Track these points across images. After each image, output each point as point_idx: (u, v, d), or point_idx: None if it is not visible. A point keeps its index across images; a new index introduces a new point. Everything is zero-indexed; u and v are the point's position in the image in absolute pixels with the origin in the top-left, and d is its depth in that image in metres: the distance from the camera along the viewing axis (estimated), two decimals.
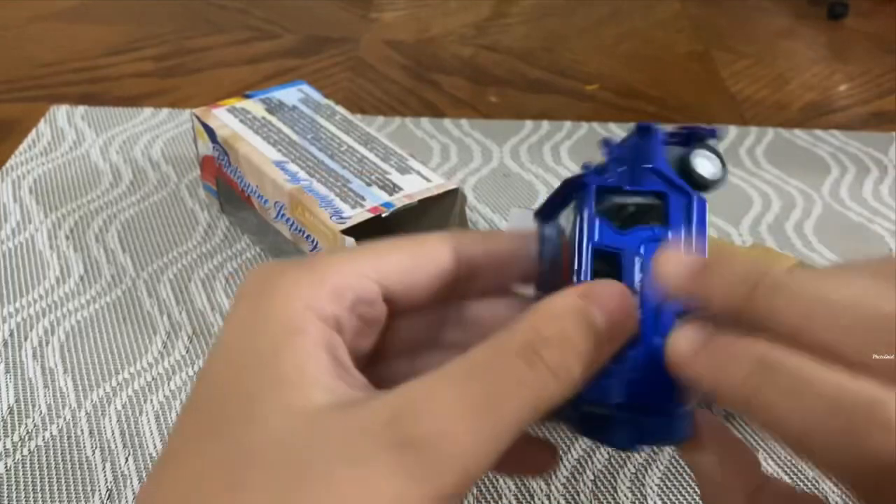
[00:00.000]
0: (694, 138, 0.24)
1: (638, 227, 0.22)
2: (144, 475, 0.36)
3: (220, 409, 0.19)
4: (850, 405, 0.16)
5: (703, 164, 0.23)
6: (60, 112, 0.63)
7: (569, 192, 0.24)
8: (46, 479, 0.35)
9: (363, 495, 0.17)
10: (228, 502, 0.18)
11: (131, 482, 0.36)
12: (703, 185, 0.23)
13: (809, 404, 0.17)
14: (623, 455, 0.38)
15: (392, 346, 0.24)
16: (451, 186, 0.43)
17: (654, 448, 0.38)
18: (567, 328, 0.19)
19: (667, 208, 0.22)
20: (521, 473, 0.25)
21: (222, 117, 0.48)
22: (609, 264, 0.22)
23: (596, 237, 0.22)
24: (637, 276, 0.22)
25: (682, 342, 0.20)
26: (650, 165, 0.23)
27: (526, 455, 0.24)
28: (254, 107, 0.49)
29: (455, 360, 0.19)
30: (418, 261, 0.23)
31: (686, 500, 0.36)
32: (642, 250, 0.22)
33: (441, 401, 0.18)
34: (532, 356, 0.19)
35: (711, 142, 0.24)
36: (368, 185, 0.43)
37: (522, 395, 0.18)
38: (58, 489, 0.35)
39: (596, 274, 0.22)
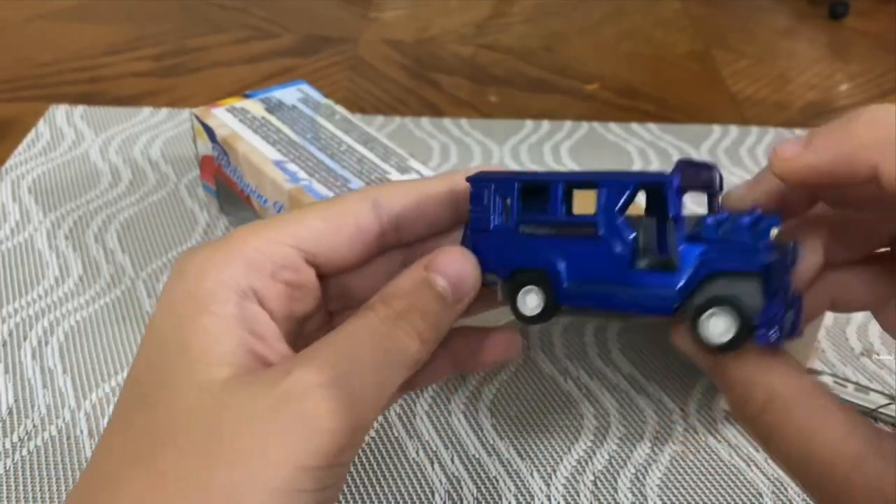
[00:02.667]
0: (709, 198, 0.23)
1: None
2: None
3: (141, 386, 0.21)
4: None
5: (716, 324, 0.21)
6: (59, 112, 0.63)
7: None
8: (45, 480, 0.35)
9: (262, 455, 0.19)
10: (146, 475, 0.19)
11: None
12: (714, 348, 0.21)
13: None
14: (623, 455, 0.38)
15: (346, 301, 0.26)
16: None
17: (655, 448, 0.38)
18: (415, 303, 0.22)
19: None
20: (486, 366, 0.27)
21: (221, 117, 0.48)
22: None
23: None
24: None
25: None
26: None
27: (487, 348, 0.27)
28: (253, 106, 0.49)
29: (328, 339, 0.22)
30: (336, 222, 0.24)
31: (687, 500, 0.36)
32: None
33: (318, 379, 0.20)
34: (391, 326, 0.22)
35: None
36: (368, 184, 0.43)
37: (391, 360, 0.22)
38: (57, 490, 0.35)
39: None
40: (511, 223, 0.24)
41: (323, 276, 0.25)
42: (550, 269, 0.23)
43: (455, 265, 0.23)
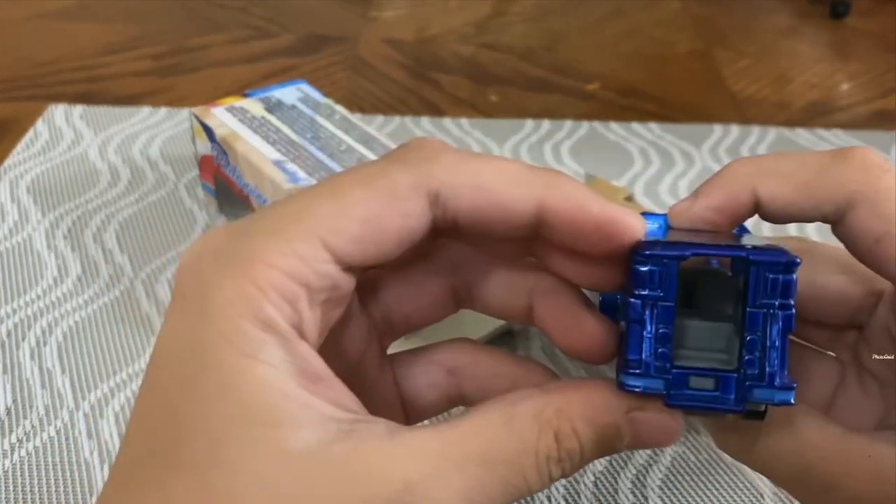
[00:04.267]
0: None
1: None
2: None
3: (179, 447, 0.17)
4: None
5: None
6: (58, 111, 0.63)
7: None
8: (44, 481, 0.35)
9: None
10: None
11: None
12: None
13: None
14: (624, 456, 0.37)
15: (385, 311, 0.22)
16: None
17: (656, 448, 0.38)
18: (586, 449, 0.19)
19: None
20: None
21: (221, 116, 0.48)
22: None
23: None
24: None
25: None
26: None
27: None
28: (253, 106, 0.49)
29: (472, 435, 0.18)
30: (382, 223, 0.18)
31: (687, 500, 0.36)
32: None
33: (451, 489, 0.17)
34: (546, 469, 0.18)
35: None
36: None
37: (522, 493, 0.18)
38: (56, 490, 0.35)
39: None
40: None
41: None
42: None
43: (658, 436, 0.19)
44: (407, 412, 0.23)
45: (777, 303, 0.18)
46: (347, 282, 0.19)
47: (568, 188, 0.19)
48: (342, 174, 0.19)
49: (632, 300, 0.18)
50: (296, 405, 0.17)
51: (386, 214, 0.18)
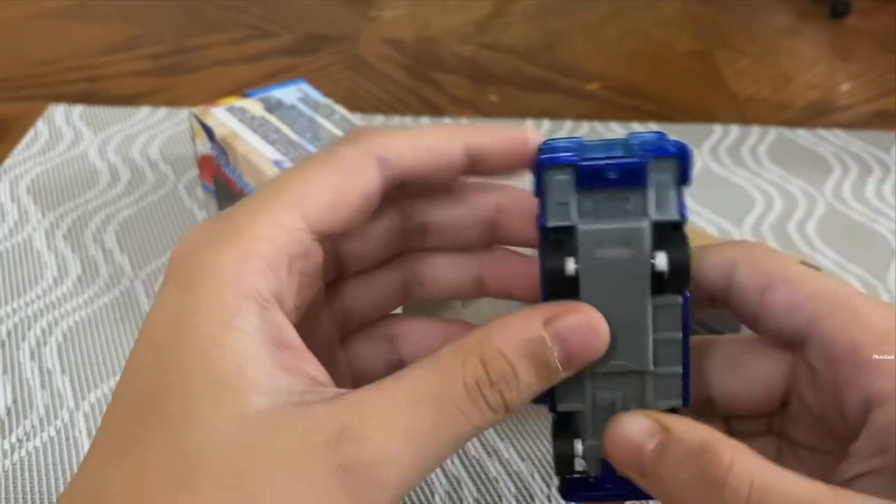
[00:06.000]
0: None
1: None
2: None
3: (155, 406, 0.18)
4: None
5: None
6: (58, 111, 0.63)
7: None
8: (44, 481, 0.35)
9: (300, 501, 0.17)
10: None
11: None
12: None
13: None
14: None
15: (339, 269, 0.24)
16: None
17: None
18: (517, 367, 0.19)
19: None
20: None
21: (220, 116, 0.48)
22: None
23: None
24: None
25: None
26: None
27: None
28: (252, 106, 0.49)
29: (403, 379, 0.19)
30: (344, 191, 0.21)
31: None
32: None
33: (387, 427, 0.18)
34: (477, 395, 0.19)
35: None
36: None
37: (464, 427, 0.19)
38: (56, 490, 0.35)
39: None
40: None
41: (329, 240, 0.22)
42: None
43: (583, 338, 0.20)
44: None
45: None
46: (317, 252, 0.21)
47: (485, 128, 0.23)
48: (305, 160, 0.21)
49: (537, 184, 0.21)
50: (259, 373, 0.18)
51: (347, 181, 0.21)
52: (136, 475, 0.18)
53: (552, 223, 0.21)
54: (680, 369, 0.21)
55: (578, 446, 0.22)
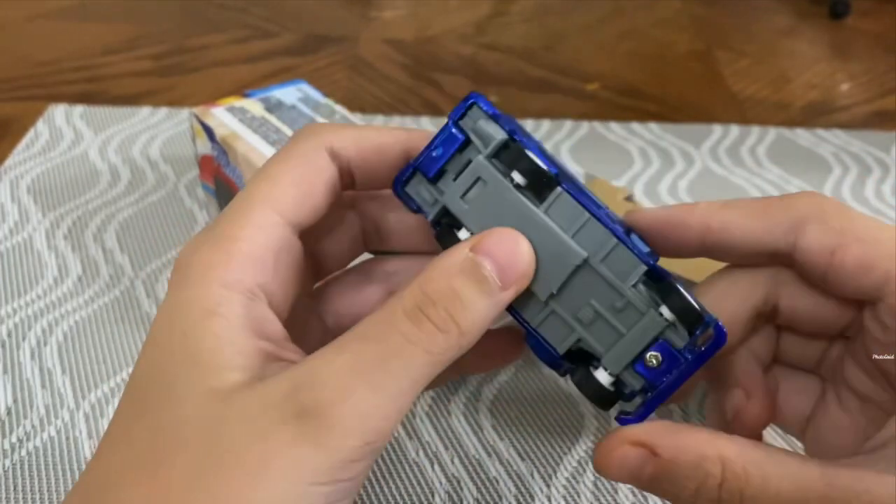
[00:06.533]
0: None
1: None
2: None
3: (145, 392, 0.20)
4: None
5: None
6: (58, 111, 0.63)
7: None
8: (45, 481, 0.35)
9: (269, 468, 0.18)
10: (149, 483, 0.18)
11: None
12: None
13: None
14: None
15: (318, 270, 0.26)
16: None
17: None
18: (454, 285, 0.20)
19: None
20: (486, 368, 0.27)
21: (221, 116, 0.48)
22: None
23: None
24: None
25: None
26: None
27: (487, 351, 0.25)
28: (253, 106, 0.49)
29: (351, 330, 0.20)
30: (308, 183, 0.23)
31: None
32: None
33: (335, 367, 0.19)
34: (418, 315, 0.20)
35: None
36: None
37: (413, 353, 0.19)
38: (56, 490, 0.35)
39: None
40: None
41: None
42: None
43: (506, 247, 0.21)
44: None
45: None
46: (297, 246, 0.23)
47: (420, 132, 0.25)
48: (268, 161, 0.23)
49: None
50: (235, 353, 0.20)
51: (307, 173, 0.23)
52: (124, 459, 0.19)
53: (431, 217, 0.24)
54: (614, 239, 0.22)
55: (601, 375, 0.22)
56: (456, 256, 0.21)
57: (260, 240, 0.21)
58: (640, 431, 0.21)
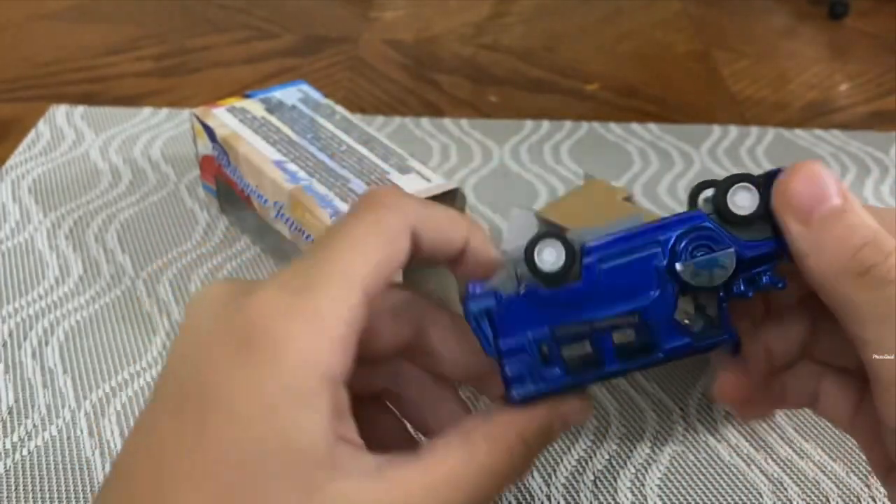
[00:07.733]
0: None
1: None
2: None
3: (238, 483, 0.20)
4: None
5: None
6: (60, 112, 0.63)
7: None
8: (46, 480, 0.35)
9: None
10: None
11: None
12: None
13: None
14: (624, 455, 0.38)
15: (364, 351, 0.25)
16: (451, 186, 0.43)
17: (655, 448, 0.38)
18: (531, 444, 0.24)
19: None
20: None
21: (222, 117, 0.48)
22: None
23: None
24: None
25: None
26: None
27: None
28: (253, 106, 0.49)
29: (431, 463, 0.22)
30: (390, 260, 0.22)
31: (687, 500, 0.36)
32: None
33: None
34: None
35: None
36: (368, 184, 0.43)
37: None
38: (57, 490, 0.35)
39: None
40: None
41: None
42: None
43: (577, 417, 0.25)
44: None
45: None
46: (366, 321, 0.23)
47: (478, 230, 0.25)
48: (353, 222, 0.23)
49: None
50: (326, 450, 0.20)
51: (393, 253, 0.22)
52: None
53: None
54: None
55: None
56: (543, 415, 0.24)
57: (349, 321, 0.21)
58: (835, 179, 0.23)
